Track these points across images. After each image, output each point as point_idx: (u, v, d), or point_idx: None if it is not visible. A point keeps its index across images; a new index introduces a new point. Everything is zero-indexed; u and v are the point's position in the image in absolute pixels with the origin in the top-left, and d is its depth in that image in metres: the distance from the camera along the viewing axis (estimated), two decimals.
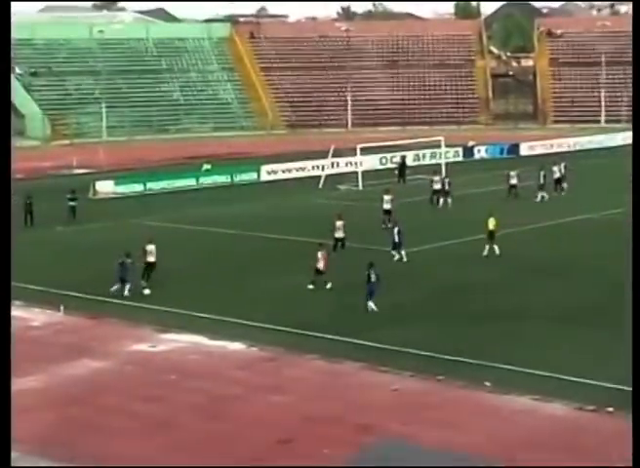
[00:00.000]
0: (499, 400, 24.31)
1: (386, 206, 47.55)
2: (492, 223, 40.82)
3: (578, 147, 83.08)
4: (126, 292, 34.57)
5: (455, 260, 39.85)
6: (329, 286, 35.06)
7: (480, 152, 79.44)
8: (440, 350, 27.80)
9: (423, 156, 72.56)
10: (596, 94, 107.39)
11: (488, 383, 25.12)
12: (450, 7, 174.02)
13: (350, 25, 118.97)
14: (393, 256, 39.74)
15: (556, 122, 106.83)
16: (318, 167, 67.40)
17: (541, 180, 56.08)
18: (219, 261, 40.55)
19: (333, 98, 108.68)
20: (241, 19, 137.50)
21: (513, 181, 56.38)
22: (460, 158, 76.22)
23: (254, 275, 37.88)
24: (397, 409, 23.81)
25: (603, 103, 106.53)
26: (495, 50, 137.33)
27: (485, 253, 40.40)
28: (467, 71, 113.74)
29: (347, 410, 23.67)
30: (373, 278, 31.90)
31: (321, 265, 35.02)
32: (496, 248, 40.33)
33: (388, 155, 72.25)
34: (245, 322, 31.32)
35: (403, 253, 39.83)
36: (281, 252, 42.71)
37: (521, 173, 57.55)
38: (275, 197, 58.66)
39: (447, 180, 55.10)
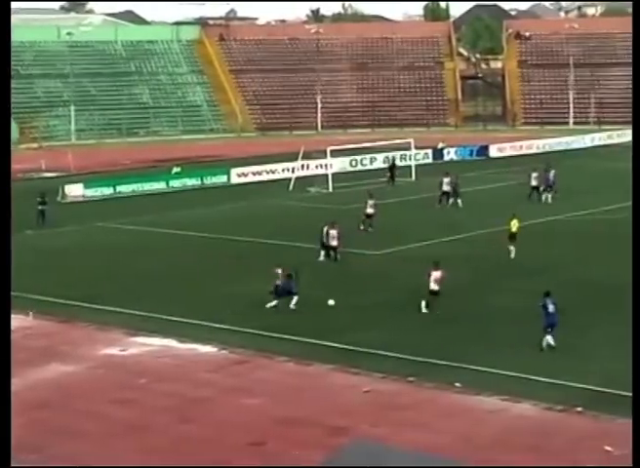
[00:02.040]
0: (469, 400, 24.42)
1: (369, 210, 46.88)
2: (515, 225, 40.15)
3: (547, 149, 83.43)
4: (292, 306, 32.79)
5: (431, 261, 39.80)
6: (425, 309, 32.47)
7: (450, 154, 79.61)
8: (410, 352, 27.87)
9: (393, 158, 72.58)
10: (564, 95, 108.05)
11: (458, 384, 25.23)
12: (419, 9, 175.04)
13: (320, 28, 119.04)
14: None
15: (525, 123, 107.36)
16: (288, 169, 67.25)
17: (550, 181, 55.31)
18: (189, 264, 40.47)
19: (302, 101, 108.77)
20: (210, 22, 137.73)
21: (535, 183, 54.97)
22: (430, 160, 76.40)
23: (224, 278, 37.82)
24: (368, 410, 23.85)
25: (571, 105, 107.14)
26: (464, 52, 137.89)
27: (512, 255, 39.57)
28: (437, 73, 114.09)
29: (319, 412, 23.69)
30: (551, 309, 27.90)
31: (436, 286, 32.19)
32: (512, 250, 39.65)
33: (358, 157, 72.60)
34: (215, 324, 31.29)
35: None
36: (251, 254, 42.65)
37: (491, 174, 57.61)
38: (245, 200, 58.53)
39: (457, 182, 54.52)
